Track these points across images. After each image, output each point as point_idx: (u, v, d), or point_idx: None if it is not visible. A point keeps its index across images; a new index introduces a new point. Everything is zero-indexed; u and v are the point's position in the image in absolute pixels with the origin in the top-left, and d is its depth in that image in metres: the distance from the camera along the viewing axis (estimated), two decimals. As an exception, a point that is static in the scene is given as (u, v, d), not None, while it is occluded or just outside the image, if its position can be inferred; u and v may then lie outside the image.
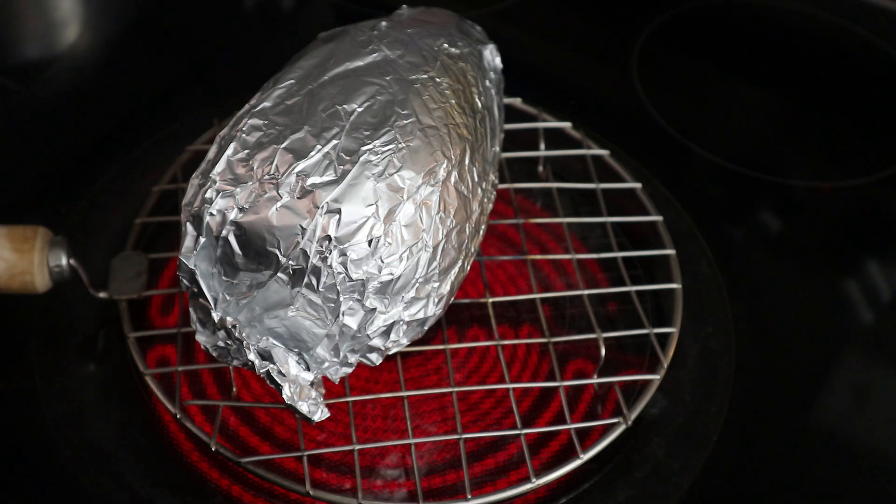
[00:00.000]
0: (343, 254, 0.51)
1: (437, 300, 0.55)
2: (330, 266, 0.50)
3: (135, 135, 0.80)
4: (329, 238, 0.50)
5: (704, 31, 0.95)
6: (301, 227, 0.50)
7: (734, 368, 0.66)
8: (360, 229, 0.51)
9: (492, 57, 0.66)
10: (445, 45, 0.61)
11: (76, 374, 0.65)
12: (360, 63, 0.57)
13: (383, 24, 0.61)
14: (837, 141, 0.86)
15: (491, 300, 0.66)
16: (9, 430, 0.63)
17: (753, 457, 0.63)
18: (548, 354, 0.66)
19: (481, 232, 0.60)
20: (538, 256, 0.71)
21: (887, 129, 0.87)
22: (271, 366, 0.52)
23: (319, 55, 0.57)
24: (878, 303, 0.73)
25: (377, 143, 0.53)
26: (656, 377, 0.63)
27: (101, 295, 0.65)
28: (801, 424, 0.66)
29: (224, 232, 0.50)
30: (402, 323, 0.54)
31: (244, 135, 0.52)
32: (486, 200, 0.60)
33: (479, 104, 0.61)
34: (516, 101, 0.76)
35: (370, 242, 0.51)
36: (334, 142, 0.52)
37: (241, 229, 0.50)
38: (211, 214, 0.50)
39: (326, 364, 0.53)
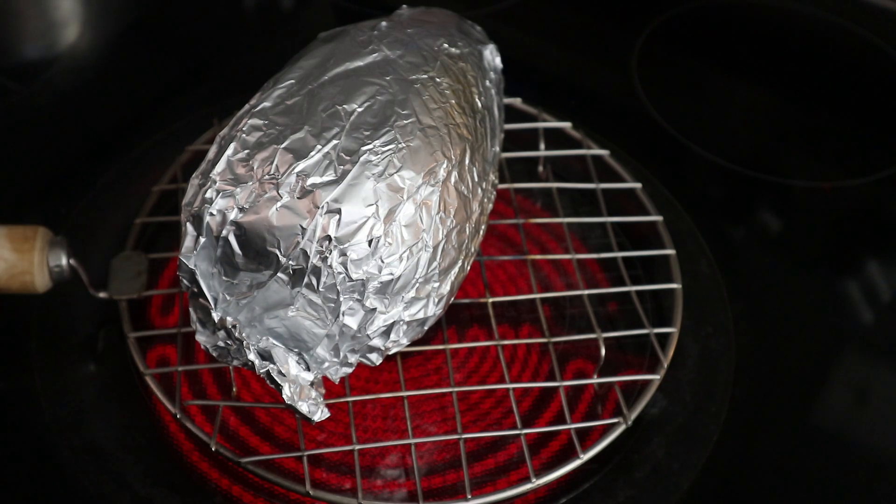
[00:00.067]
0: (343, 254, 0.51)
1: (437, 300, 0.55)
2: (330, 266, 0.50)
3: (135, 135, 0.80)
4: (329, 238, 0.50)
5: (704, 31, 0.95)
6: (301, 227, 0.50)
7: (734, 368, 0.67)
8: (360, 229, 0.51)
9: (492, 57, 0.66)
10: (445, 45, 0.61)
11: (76, 374, 0.65)
12: (360, 63, 0.57)
13: (383, 24, 0.61)
14: (837, 141, 0.86)
15: (491, 300, 0.66)
16: (9, 430, 0.63)
17: (753, 457, 0.63)
18: (548, 354, 0.66)
19: (481, 232, 0.60)
20: (538, 256, 0.71)
21: (887, 129, 0.87)
22: (271, 366, 0.52)
23: (319, 55, 0.57)
24: (878, 303, 0.73)
25: (377, 143, 0.53)
26: (656, 377, 0.63)
27: (101, 295, 0.65)
28: (801, 424, 0.66)
29: (224, 232, 0.50)
30: (402, 323, 0.54)
31: (244, 135, 0.52)
32: (486, 200, 0.60)
33: (479, 104, 0.61)
34: (516, 101, 0.76)
35: (370, 242, 0.51)
36: (334, 142, 0.52)
37: (241, 229, 0.50)
38: (211, 214, 0.50)
39: (326, 364, 0.53)
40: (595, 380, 0.64)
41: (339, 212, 0.50)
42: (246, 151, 0.52)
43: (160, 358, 0.65)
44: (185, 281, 0.52)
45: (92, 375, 0.65)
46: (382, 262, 0.52)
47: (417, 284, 0.54)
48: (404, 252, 0.52)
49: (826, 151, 0.85)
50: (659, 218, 0.71)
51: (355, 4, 0.93)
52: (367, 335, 0.53)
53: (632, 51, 0.90)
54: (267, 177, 0.51)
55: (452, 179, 0.55)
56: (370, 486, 0.60)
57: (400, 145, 0.53)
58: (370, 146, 0.52)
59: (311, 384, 0.53)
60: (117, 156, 0.77)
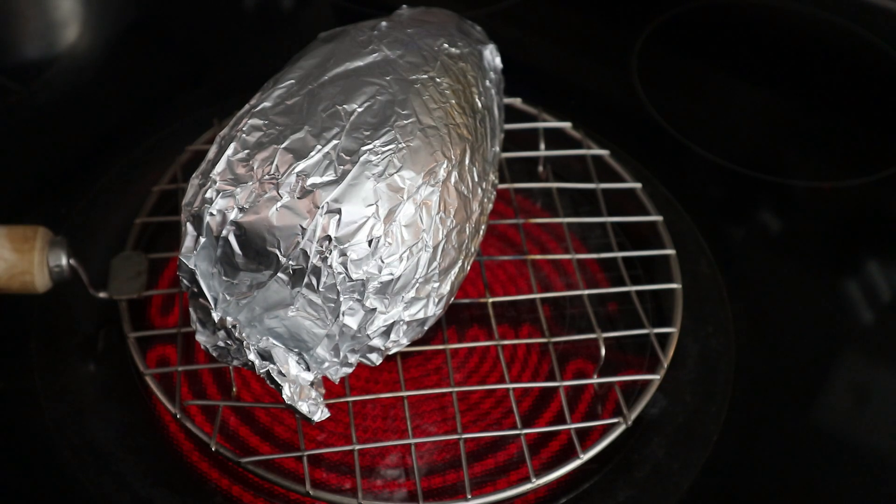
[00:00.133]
0: (343, 254, 0.51)
1: (437, 300, 0.55)
2: (330, 266, 0.50)
3: (135, 135, 0.80)
4: (329, 238, 0.50)
5: (704, 31, 0.95)
6: (301, 227, 0.50)
7: (734, 368, 0.67)
8: (360, 229, 0.51)
9: (492, 57, 0.66)
10: (445, 45, 0.61)
11: (76, 374, 0.65)
12: (360, 63, 0.57)
13: (383, 24, 0.61)
14: (837, 141, 0.86)
15: (491, 300, 0.66)
16: (9, 430, 0.63)
17: (753, 457, 0.63)
18: (548, 354, 0.66)
19: (481, 232, 0.60)
20: (538, 256, 0.71)
21: (887, 129, 0.87)
22: (271, 366, 0.52)
23: (319, 55, 0.57)
24: (878, 303, 0.73)
25: (377, 143, 0.53)
26: (656, 377, 0.63)
27: (101, 295, 0.65)
28: (801, 424, 0.66)
29: (224, 232, 0.50)
30: (402, 323, 0.54)
31: (244, 135, 0.52)
32: (486, 200, 0.60)
33: (479, 104, 0.61)
34: (516, 101, 0.76)
35: (370, 242, 0.51)
36: (334, 142, 0.52)
37: (241, 229, 0.50)
38: (211, 214, 0.50)
39: (326, 364, 0.53)
40: (595, 380, 0.64)
41: (339, 212, 0.50)
42: (246, 151, 0.52)
43: (160, 358, 0.65)
44: (185, 281, 0.52)
45: (92, 375, 0.65)
46: (382, 262, 0.52)
47: (417, 284, 0.54)
48: (404, 252, 0.52)
49: (826, 151, 0.85)
50: (659, 218, 0.71)
51: (355, 4, 0.93)
52: (367, 335, 0.53)
53: (632, 51, 0.90)
54: (267, 177, 0.51)
55: (452, 179, 0.55)
56: (370, 486, 0.60)
57: (400, 145, 0.53)
58: (370, 146, 0.52)
59: (311, 384, 0.53)
60: (117, 156, 0.77)
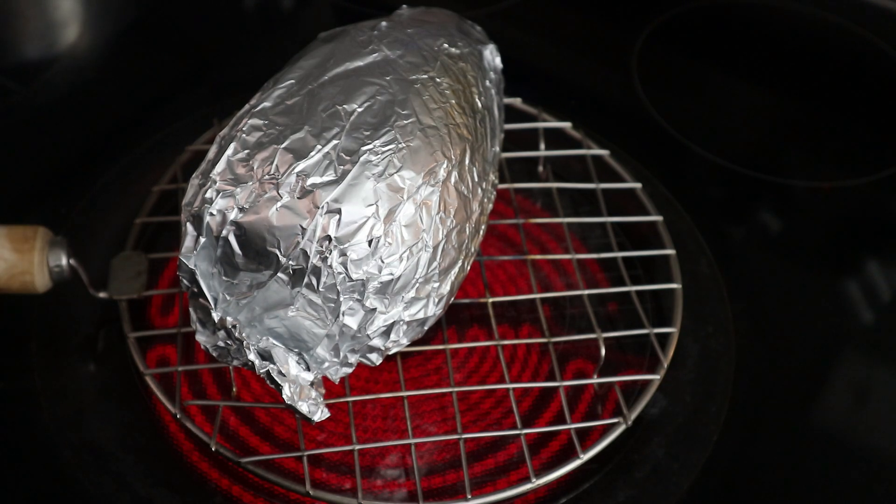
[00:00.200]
0: (343, 254, 0.51)
1: (437, 300, 0.55)
2: (330, 266, 0.50)
3: (135, 135, 0.80)
4: (329, 238, 0.50)
5: (704, 31, 0.95)
6: (301, 227, 0.50)
7: (734, 368, 0.67)
8: (360, 229, 0.51)
9: (492, 57, 0.66)
10: (445, 45, 0.61)
11: (76, 374, 0.65)
12: (360, 63, 0.57)
13: (383, 24, 0.61)
14: (837, 141, 0.86)
15: (491, 300, 0.66)
16: (9, 430, 0.63)
17: (753, 457, 0.63)
18: (548, 354, 0.66)
19: (481, 232, 0.60)
20: (538, 256, 0.71)
21: (887, 129, 0.87)
22: (271, 366, 0.52)
23: (319, 55, 0.57)
24: (878, 303, 0.73)
25: (377, 143, 0.53)
26: (656, 377, 0.63)
27: (101, 295, 0.65)
28: (801, 424, 0.66)
29: (224, 232, 0.50)
30: (402, 323, 0.54)
31: (244, 135, 0.52)
32: (486, 200, 0.60)
33: (479, 104, 0.61)
34: (516, 101, 0.76)
35: (370, 242, 0.51)
36: (334, 142, 0.52)
37: (241, 229, 0.50)
38: (211, 214, 0.50)
39: (326, 364, 0.53)
40: (595, 380, 0.64)
41: (339, 212, 0.50)
42: (246, 151, 0.52)
43: (160, 358, 0.65)
44: (185, 281, 0.52)
45: (92, 375, 0.65)
46: (382, 262, 0.52)
47: (417, 284, 0.54)
48: (404, 252, 0.52)
49: (826, 151, 0.85)
50: (659, 218, 0.71)
51: (355, 4, 0.93)
52: (367, 335, 0.53)
53: (632, 51, 0.90)
54: (267, 177, 0.51)
55: (452, 179, 0.55)
56: (370, 486, 0.60)
57: (400, 145, 0.53)
58: (370, 146, 0.52)
59: (311, 384, 0.53)
60: (117, 156, 0.77)
